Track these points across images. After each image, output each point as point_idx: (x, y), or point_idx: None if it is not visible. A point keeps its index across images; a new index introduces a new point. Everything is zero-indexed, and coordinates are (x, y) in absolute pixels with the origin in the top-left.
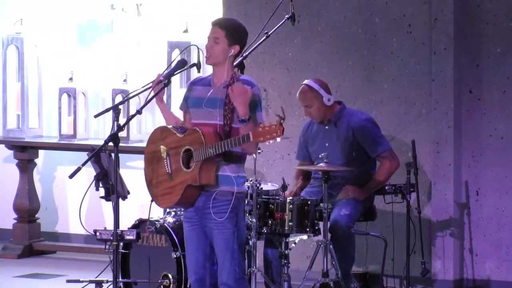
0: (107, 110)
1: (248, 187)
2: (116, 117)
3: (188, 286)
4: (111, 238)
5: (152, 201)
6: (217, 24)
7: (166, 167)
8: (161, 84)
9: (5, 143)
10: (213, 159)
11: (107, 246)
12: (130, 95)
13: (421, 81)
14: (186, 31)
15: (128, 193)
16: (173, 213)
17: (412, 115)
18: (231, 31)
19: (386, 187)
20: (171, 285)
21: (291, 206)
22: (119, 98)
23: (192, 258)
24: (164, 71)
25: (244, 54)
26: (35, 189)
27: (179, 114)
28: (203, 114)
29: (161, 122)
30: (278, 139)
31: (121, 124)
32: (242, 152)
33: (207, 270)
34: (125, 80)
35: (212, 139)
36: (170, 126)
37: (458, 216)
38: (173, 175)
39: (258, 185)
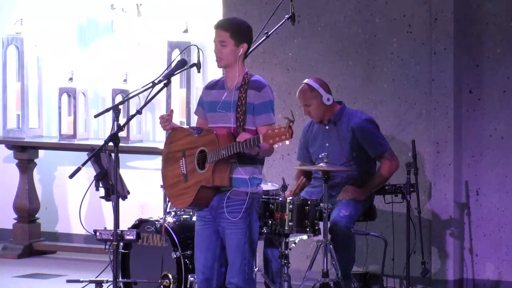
0: (107, 110)
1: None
2: (116, 117)
3: (188, 286)
4: (111, 238)
5: (169, 201)
6: (219, 26)
7: (182, 167)
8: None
9: (5, 143)
10: (227, 161)
11: (107, 246)
12: (130, 95)
13: (421, 81)
14: (186, 31)
15: (128, 193)
16: (173, 213)
17: (412, 115)
18: (235, 31)
19: (386, 187)
20: (171, 285)
21: (291, 206)
22: (119, 98)
23: (201, 258)
24: (164, 71)
25: None
26: (35, 189)
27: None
28: (218, 117)
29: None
30: (287, 142)
31: (121, 124)
32: (257, 154)
33: (215, 271)
34: (125, 80)
35: (226, 140)
36: (187, 127)
37: (458, 216)
38: (188, 176)
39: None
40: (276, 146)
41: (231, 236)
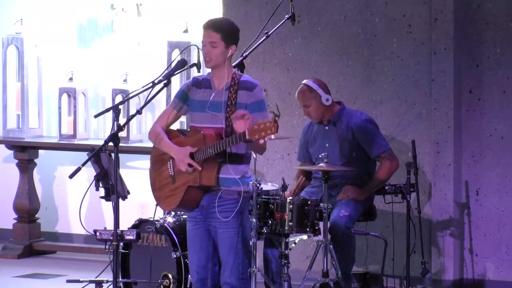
0: (107, 110)
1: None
2: (116, 117)
3: (188, 286)
4: (111, 238)
5: (157, 204)
6: (210, 27)
7: (169, 169)
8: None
9: (5, 143)
10: (214, 160)
11: (107, 246)
12: (130, 95)
13: (421, 81)
14: (186, 31)
15: (128, 193)
16: (173, 213)
17: (412, 115)
18: (226, 33)
19: (386, 187)
20: (171, 285)
21: (291, 206)
22: (119, 98)
23: (194, 258)
24: (164, 71)
25: (244, 54)
26: (35, 189)
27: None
28: (206, 117)
29: None
30: (273, 136)
31: (121, 124)
32: (246, 152)
33: (209, 271)
34: (125, 80)
35: (213, 140)
36: (174, 129)
37: (458, 216)
38: (176, 177)
39: (258, 185)
40: (261, 141)
41: (223, 236)
